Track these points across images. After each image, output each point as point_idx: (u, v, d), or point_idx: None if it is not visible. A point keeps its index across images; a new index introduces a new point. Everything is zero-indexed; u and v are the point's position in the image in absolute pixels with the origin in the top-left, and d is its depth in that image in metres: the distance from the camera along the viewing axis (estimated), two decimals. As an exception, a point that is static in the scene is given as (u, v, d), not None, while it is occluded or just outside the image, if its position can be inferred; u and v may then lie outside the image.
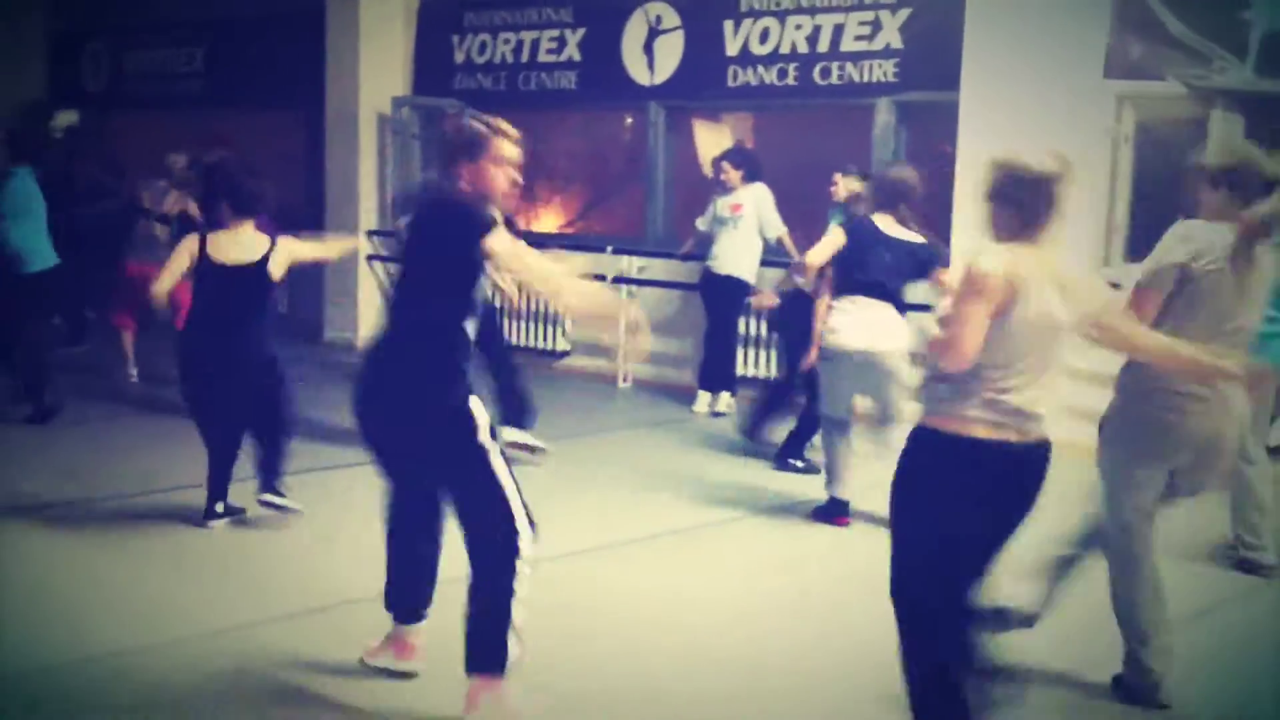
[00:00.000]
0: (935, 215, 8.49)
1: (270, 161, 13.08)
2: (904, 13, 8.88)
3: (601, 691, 4.21)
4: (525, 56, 10.94)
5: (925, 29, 8.78)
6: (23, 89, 14.90)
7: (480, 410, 3.81)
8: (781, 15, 9.46)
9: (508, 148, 3.91)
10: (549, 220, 12.01)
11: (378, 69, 11.50)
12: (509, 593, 3.68)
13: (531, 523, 3.77)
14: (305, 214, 11.73)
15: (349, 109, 11.51)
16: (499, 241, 3.67)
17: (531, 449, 7.16)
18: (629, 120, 11.19)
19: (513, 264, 3.72)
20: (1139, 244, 8.08)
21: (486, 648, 3.70)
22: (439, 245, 3.76)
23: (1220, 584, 5.46)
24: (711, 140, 10.57)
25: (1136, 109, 8.01)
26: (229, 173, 6.36)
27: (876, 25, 9.01)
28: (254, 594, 4.94)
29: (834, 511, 6.26)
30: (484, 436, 3.76)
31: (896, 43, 8.92)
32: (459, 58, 11.33)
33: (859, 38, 9.10)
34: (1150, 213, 8.21)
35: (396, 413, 3.76)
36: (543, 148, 12.17)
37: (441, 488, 3.84)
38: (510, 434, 7.02)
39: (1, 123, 9.30)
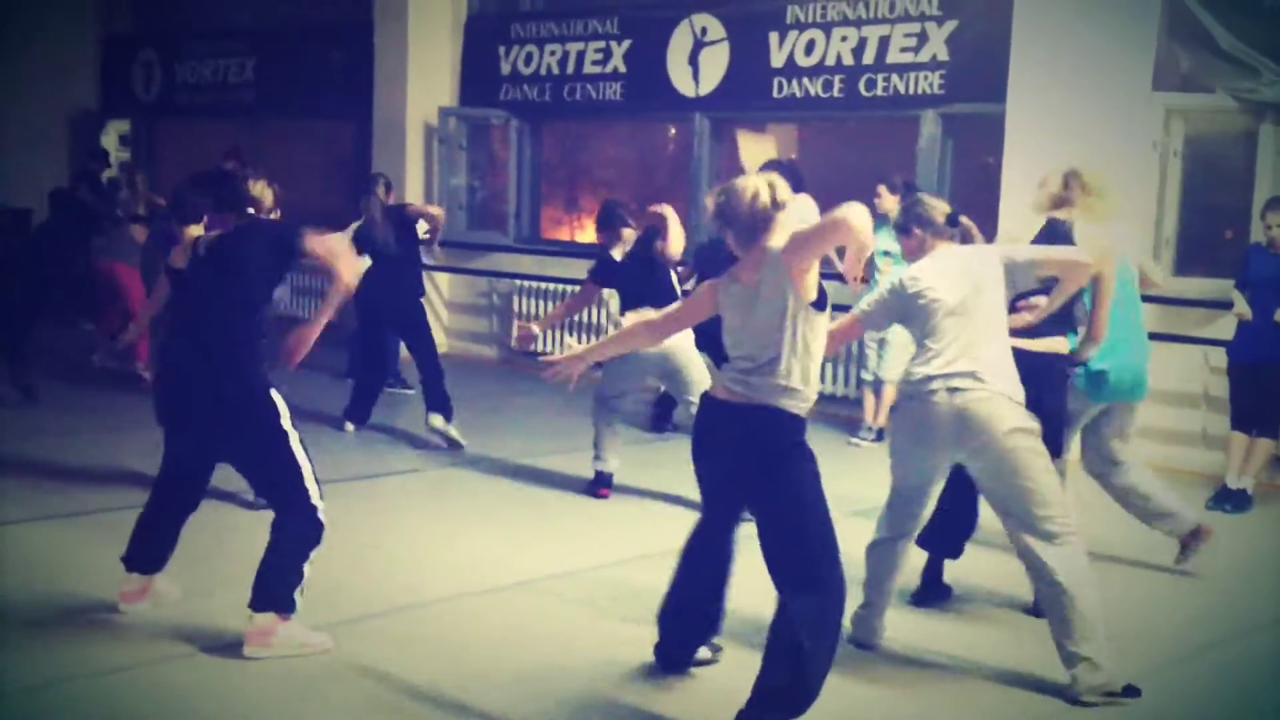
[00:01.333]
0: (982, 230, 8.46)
1: (318, 170, 13.29)
2: (950, 24, 8.85)
3: (649, 699, 4.22)
4: (571, 68, 10.99)
5: (971, 40, 8.75)
6: (75, 98, 15.15)
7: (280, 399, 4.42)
8: (827, 27, 9.46)
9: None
10: (593, 230, 12.03)
11: (425, 80, 11.60)
12: (306, 554, 4.32)
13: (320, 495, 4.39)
14: (352, 222, 11.83)
15: (397, 119, 11.61)
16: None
17: (452, 441, 7.79)
18: (673, 131, 11.22)
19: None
20: (1187, 258, 8.02)
21: (279, 590, 4.30)
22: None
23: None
24: (756, 151, 10.57)
25: (1185, 122, 7.95)
26: (175, 187, 6.74)
27: (923, 37, 8.99)
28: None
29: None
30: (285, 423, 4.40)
31: (942, 54, 8.90)
32: (505, 69, 11.40)
33: (905, 49, 9.08)
34: (1199, 226, 8.15)
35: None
36: (587, 158, 12.26)
37: None
38: (436, 421, 7.78)
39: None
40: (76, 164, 13.43)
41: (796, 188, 8.80)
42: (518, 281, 11.06)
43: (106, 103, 15.34)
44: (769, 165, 9.08)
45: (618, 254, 7.10)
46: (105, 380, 9.42)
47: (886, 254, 8.26)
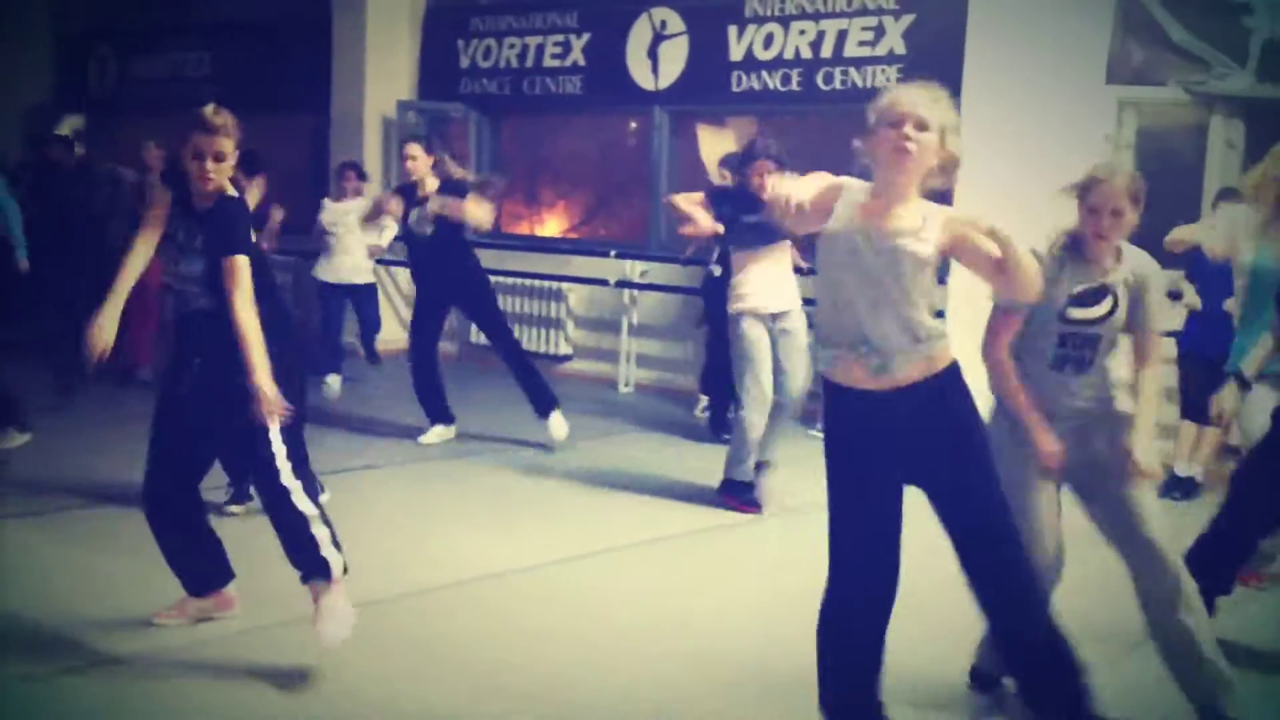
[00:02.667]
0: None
1: (277, 164, 13.19)
2: (907, 18, 8.92)
3: (610, 697, 4.24)
4: (530, 61, 10.99)
5: (928, 34, 8.81)
6: (29, 93, 14.96)
7: None
8: (785, 20, 9.50)
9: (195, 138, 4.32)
10: (553, 224, 12.05)
11: (383, 73, 11.55)
12: (299, 513, 4.21)
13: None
14: (310, 218, 11.78)
15: (355, 113, 11.56)
16: None
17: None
18: (633, 125, 11.23)
19: None
20: (1139, 249, 8.10)
21: (307, 559, 4.20)
22: None
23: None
24: (715, 145, 10.60)
25: (1138, 114, 8.04)
26: None
27: (880, 31, 9.05)
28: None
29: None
30: None
31: (900, 48, 8.96)
32: (464, 62, 11.38)
33: (862, 43, 9.13)
34: (1150, 217, 8.23)
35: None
36: (547, 152, 12.25)
37: None
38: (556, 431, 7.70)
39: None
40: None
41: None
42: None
43: (61, 97, 15.17)
44: (730, 157, 9.14)
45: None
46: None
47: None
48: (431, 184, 7.52)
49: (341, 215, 9.48)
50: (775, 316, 6.41)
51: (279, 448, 4.23)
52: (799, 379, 6.46)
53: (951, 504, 3.39)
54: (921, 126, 3.31)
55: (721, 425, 8.09)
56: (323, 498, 5.79)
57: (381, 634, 4.58)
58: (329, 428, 7.88)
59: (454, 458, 7.54)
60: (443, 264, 7.59)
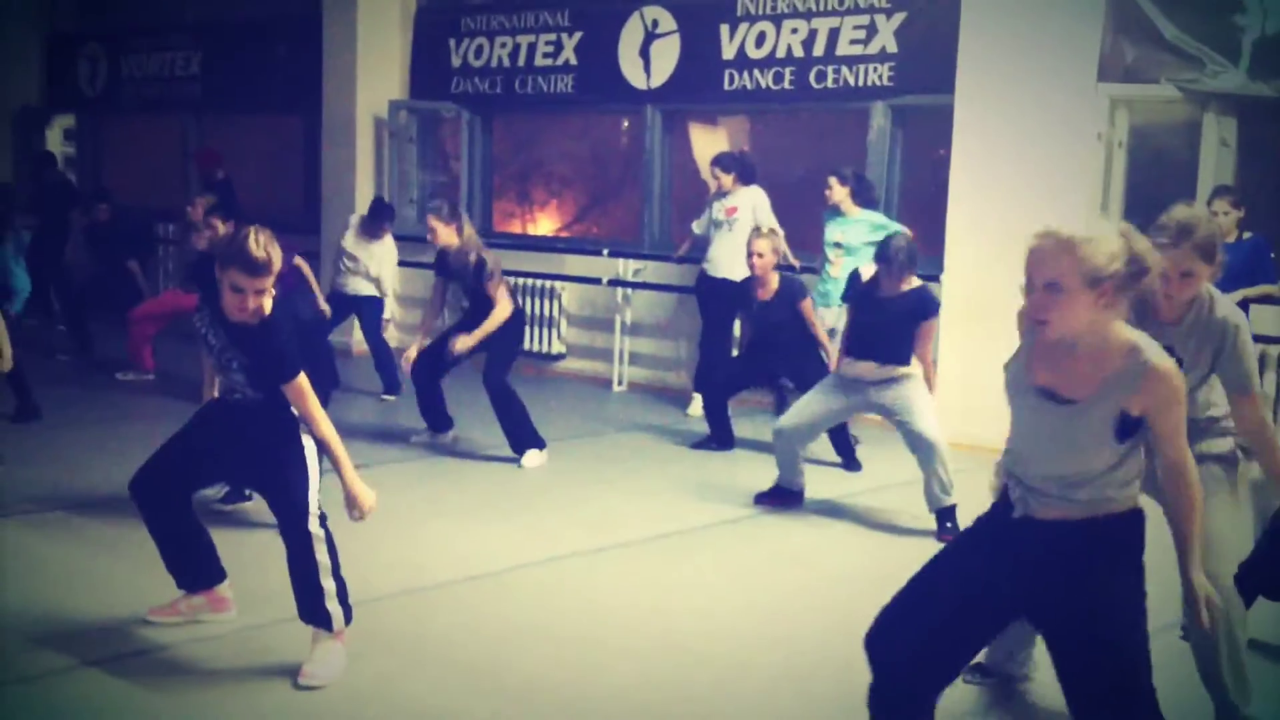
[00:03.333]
0: (931, 220, 8.54)
1: (267, 165, 13.18)
2: (899, 17, 8.90)
3: (602, 695, 4.22)
4: (522, 60, 10.96)
5: (920, 33, 8.80)
6: (19, 93, 14.92)
7: None
8: (777, 19, 9.49)
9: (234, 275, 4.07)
10: (546, 223, 12.04)
11: (375, 73, 11.52)
12: (314, 562, 4.21)
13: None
14: (302, 218, 11.77)
15: (346, 113, 11.53)
16: None
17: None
18: (625, 124, 11.22)
19: None
20: (1133, 247, 8.11)
21: (311, 606, 4.22)
22: None
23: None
24: (708, 144, 10.59)
25: (1130, 112, 8.04)
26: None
27: (872, 29, 9.04)
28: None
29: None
30: None
31: (892, 46, 8.95)
32: (456, 62, 11.35)
33: (854, 41, 9.12)
34: (1144, 216, 8.24)
35: None
36: (540, 151, 12.23)
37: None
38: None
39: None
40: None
41: (748, 179, 8.89)
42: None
43: (51, 98, 15.13)
44: (720, 157, 9.14)
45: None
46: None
47: (838, 245, 8.31)
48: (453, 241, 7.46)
49: (376, 255, 9.36)
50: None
51: (314, 497, 4.25)
52: None
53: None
54: (1055, 288, 2.88)
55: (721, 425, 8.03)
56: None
57: (377, 632, 4.56)
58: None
59: (447, 457, 7.52)
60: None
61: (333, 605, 4.21)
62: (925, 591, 3.18)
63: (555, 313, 10.62)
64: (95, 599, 4.82)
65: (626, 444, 8.17)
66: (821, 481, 6.95)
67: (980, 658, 4.19)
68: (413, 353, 7.51)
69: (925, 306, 6.29)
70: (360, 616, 4.39)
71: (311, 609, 4.21)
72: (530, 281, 10.66)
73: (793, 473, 6.55)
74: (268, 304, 4.14)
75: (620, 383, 10.18)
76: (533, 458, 7.37)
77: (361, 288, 9.33)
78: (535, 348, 10.66)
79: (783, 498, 6.60)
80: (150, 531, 4.50)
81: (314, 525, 4.21)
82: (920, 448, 6.15)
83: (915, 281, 6.31)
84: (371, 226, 9.34)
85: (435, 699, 4.10)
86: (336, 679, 4.15)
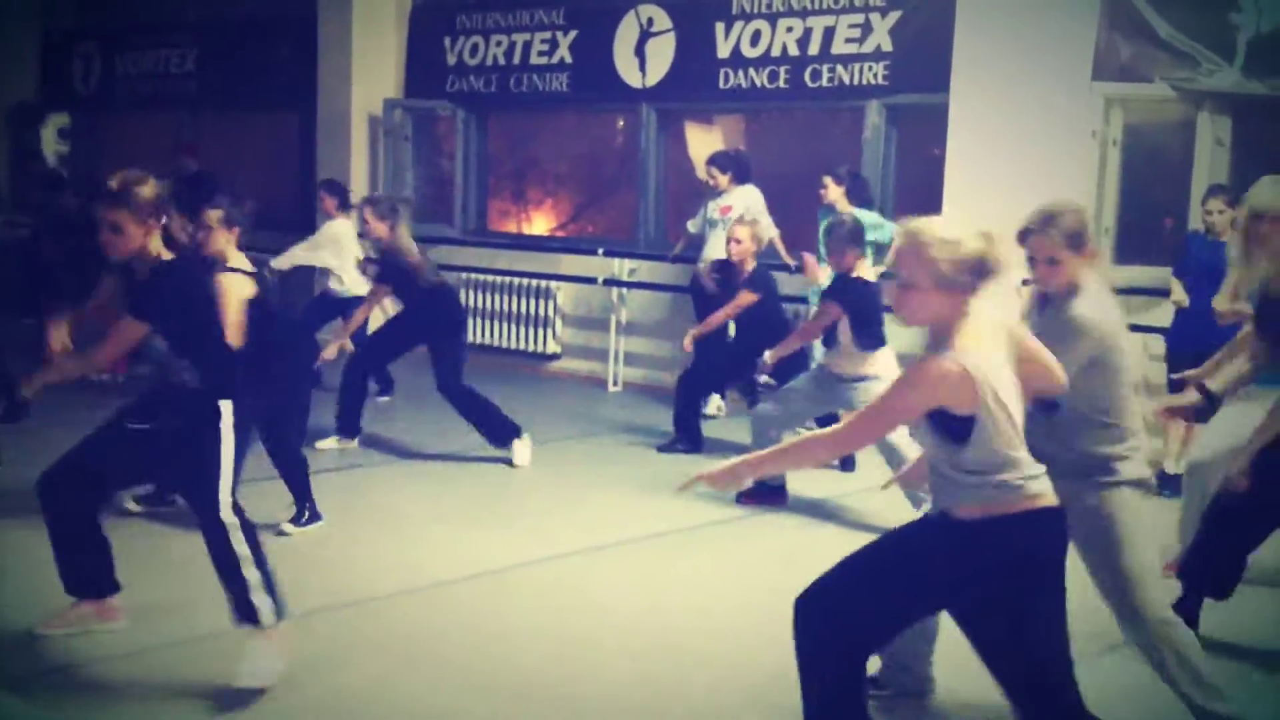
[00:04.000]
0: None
1: (262, 163, 13.16)
2: (894, 15, 8.91)
3: (599, 695, 4.23)
4: (517, 58, 10.95)
5: (915, 31, 8.81)
6: (14, 90, 14.90)
7: None
8: (772, 18, 9.48)
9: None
10: (541, 222, 12.03)
11: (370, 71, 11.52)
12: (233, 553, 4.11)
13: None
14: (297, 216, 11.75)
15: (341, 111, 11.52)
16: None
17: None
18: (621, 122, 11.21)
19: None
20: (1127, 246, 8.12)
21: (235, 600, 4.11)
22: None
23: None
24: (703, 142, 10.59)
25: (1125, 111, 8.05)
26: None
27: (867, 28, 9.04)
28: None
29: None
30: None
31: (887, 45, 8.95)
32: (451, 60, 11.34)
33: (849, 40, 9.12)
34: (1138, 215, 8.26)
35: None
36: (535, 150, 12.22)
37: None
38: None
39: None
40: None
41: (744, 178, 8.89)
42: (465, 275, 11.00)
43: (46, 95, 15.10)
44: (715, 156, 9.14)
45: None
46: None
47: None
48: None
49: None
50: None
51: (225, 485, 4.19)
52: None
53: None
54: (906, 286, 3.09)
55: (689, 426, 7.94)
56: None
57: (371, 633, 4.57)
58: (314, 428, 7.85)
59: (440, 459, 7.52)
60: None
61: (258, 598, 4.08)
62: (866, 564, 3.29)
63: (550, 312, 10.62)
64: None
65: (622, 444, 8.17)
66: (816, 482, 6.95)
67: (875, 669, 4.10)
68: (332, 352, 7.40)
69: (832, 288, 6.43)
70: (357, 617, 4.40)
71: (236, 603, 4.10)
72: (525, 281, 10.66)
73: None
74: (154, 247, 4.15)
75: (615, 383, 10.18)
76: (520, 450, 7.34)
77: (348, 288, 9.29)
78: (530, 347, 10.66)
79: (765, 495, 6.57)
80: (50, 532, 4.38)
81: (226, 514, 4.14)
82: (885, 450, 6.11)
83: (865, 264, 6.41)
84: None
85: (434, 699, 4.10)
86: (273, 678, 4.05)
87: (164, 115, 13.90)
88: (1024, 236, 3.73)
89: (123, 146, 13.98)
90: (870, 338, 6.27)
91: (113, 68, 14.43)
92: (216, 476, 4.17)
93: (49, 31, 15.10)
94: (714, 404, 8.94)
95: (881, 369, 6.21)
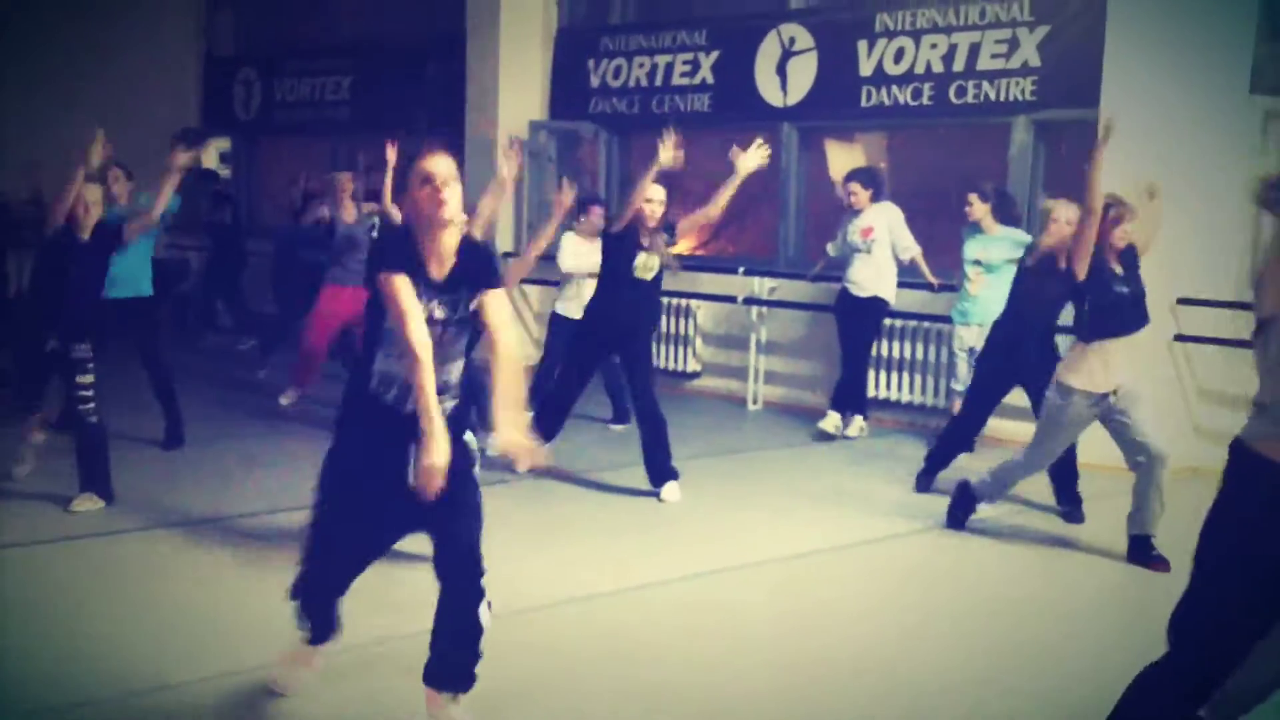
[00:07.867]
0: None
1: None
2: (1042, 30, 8.76)
3: (740, 712, 4.24)
4: (660, 79, 11.06)
5: (1064, 46, 8.65)
6: (178, 117, 15.54)
7: None
8: (916, 35, 9.41)
9: (423, 166, 3.63)
10: (682, 242, 12.06)
11: (516, 93, 11.74)
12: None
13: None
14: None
15: (488, 132, 11.76)
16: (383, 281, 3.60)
17: None
18: (761, 141, 11.19)
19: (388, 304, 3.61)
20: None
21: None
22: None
23: None
24: (844, 161, 10.55)
25: (1285, 125, 7.80)
26: None
27: (1014, 43, 8.91)
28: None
29: None
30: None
31: (1034, 60, 8.81)
32: (595, 82, 11.50)
33: (995, 55, 9.00)
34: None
35: None
36: (676, 169, 12.29)
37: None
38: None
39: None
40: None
41: (879, 195, 8.83)
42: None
43: (208, 120, 15.73)
44: (854, 172, 9.09)
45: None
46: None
47: (977, 263, 8.19)
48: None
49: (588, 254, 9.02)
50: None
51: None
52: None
53: None
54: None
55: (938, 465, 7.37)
56: None
57: (519, 642, 4.63)
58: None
59: (566, 481, 7.58)
60: None
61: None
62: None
63: (690, 331, 10.67)
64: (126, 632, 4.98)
65: (763, 462, 8.16)
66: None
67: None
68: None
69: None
70: (508, 627, 4.47)
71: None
72: (666, 300, 10.71)
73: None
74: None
75: (755, 401, 10.17)
76: (671, 490, 7.05)
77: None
78: (670, 365, 10.72)
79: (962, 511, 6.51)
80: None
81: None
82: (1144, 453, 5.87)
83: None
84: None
85: (589, 706, 4.15)
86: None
87: (319, 139, 14.35)
88: None
89: (279, 170, 14.48)
90: None
91: (271, 93, 14.97)
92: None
93: (211, 58, 15.73)
94: (856, 425, 8.87)
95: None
